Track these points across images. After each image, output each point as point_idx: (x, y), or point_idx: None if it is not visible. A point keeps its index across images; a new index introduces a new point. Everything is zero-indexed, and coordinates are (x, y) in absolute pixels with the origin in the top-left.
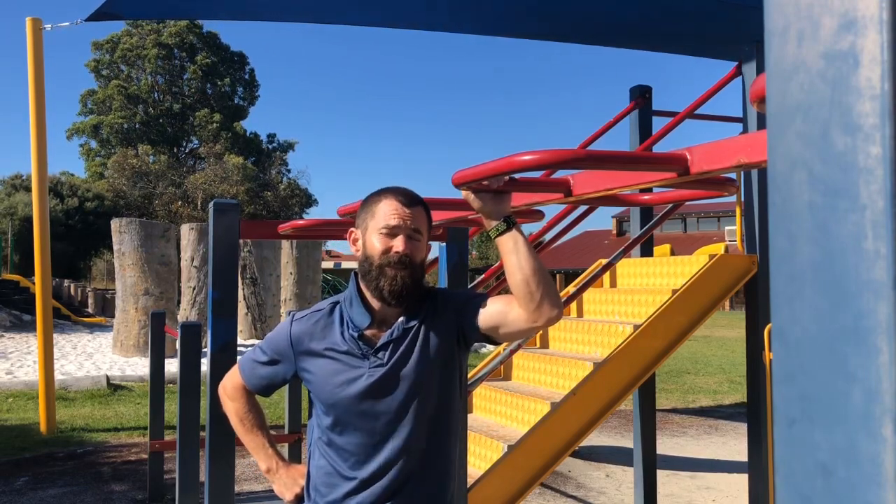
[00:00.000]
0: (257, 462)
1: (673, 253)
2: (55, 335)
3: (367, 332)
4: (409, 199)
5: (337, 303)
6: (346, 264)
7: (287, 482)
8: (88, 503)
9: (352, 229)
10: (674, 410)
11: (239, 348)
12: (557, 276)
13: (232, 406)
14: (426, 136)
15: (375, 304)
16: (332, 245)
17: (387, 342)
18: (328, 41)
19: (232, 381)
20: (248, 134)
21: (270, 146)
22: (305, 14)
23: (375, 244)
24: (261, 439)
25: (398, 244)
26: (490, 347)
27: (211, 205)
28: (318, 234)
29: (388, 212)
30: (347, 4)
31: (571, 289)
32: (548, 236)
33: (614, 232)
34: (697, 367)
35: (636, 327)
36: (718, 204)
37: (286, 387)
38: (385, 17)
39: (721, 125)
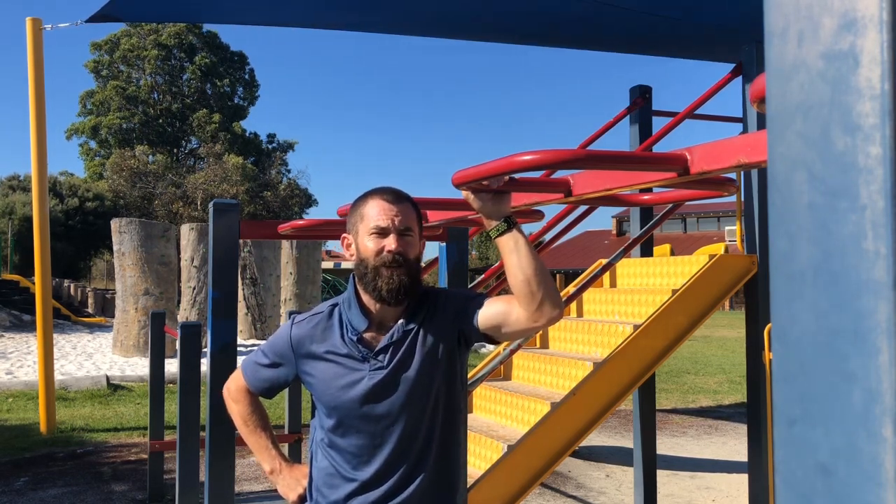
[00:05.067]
0: (261, 463)
1: (673, 253)
2: (55, 335)
3: (366, 335)
4: (395, 197)
5: (336, 305)
6: (346, 264)
7: (290, 483)
8: (88, 503)
9: (344, 235)
10: (674, 410)
11: (239, 348)
12: (557, 276)
13: (236, 408)
14: (426, 134)
15: (373, 306)
16: (332, 245)
17: (387, 345)
18: (329, 40)
19: (235, 384)
20: (247, 134)
21: (270, 146)
22: (299, 19)
23: (368, 246)
24: (264, 440)
25: (390, 243)
26: (490, 347)
27: (211, 205)
28: (318, 234)
29: (376, 213)
30: (341, 11)
31: (571, 289)
32: (548, 236)
33: (614, 232)
34: (697, 367)
35: (636, 327)
36: (718, 204)
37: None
38: (385, 23)
39: (721, 125)
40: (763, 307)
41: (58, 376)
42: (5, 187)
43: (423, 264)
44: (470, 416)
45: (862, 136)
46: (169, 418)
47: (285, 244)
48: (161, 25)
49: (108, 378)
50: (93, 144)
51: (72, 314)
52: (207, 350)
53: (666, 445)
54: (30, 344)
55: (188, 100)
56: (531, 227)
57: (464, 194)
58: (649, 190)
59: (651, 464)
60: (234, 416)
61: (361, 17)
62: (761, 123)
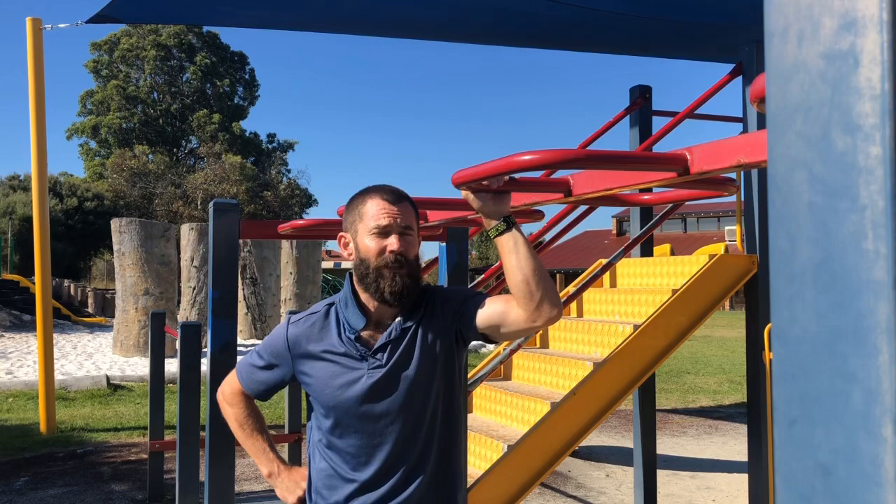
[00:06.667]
0: (258, 466)
1: (673, 253)
2: (55, 335)
3: (364, 334)
4: (395, 196)
5: (332, 304)
6: (346, 264)
7: (289, 486)
8: (88, 503)
9: (341, 234)
10: (674, 410)
11: (239, 348)
12: (557, 276)
13: (231, 411)
14: (427, 134)
15: (371, 305)
16: (332, 245)
17: (385, 343)
18: (329, 40)
19: (230, 387)
20: (247, 134)
21: (270, 146)
22: (298, 22)
23: (369, 245)
24: (261, 443)
25: (392, 243)
26: (490, 347)
27: (211, 205)
28: (318, 234)
29: (376, 212)
30: (338, 15)
31: (571, 289)
32: (548, 236)
33: (614, 232)
34: (697, 367)
35: (636, 327)
36: (718, 204)
37: (286, 387)
38: (383, 27)
39: (721, 125)
40: (763, 307)
41: (58, 376)
42: (5, 187)
43: (422, 263)
44: (470, 416)
45: (862, 136)
46: (169, 418)
47: (285, 244)
48: (161, 25)
49: (108, 378)
50: (93, 144)
51: (72, 314)
52: (207, 350)
53: (666, 445)
54: (30, 344)
55: (188, 100)
56: (531, 227)
57: (463, 194)
58: (649, 190)
59: (651, 464)
60: (229, 420)
61: (359, 22)
62: (761, 123)
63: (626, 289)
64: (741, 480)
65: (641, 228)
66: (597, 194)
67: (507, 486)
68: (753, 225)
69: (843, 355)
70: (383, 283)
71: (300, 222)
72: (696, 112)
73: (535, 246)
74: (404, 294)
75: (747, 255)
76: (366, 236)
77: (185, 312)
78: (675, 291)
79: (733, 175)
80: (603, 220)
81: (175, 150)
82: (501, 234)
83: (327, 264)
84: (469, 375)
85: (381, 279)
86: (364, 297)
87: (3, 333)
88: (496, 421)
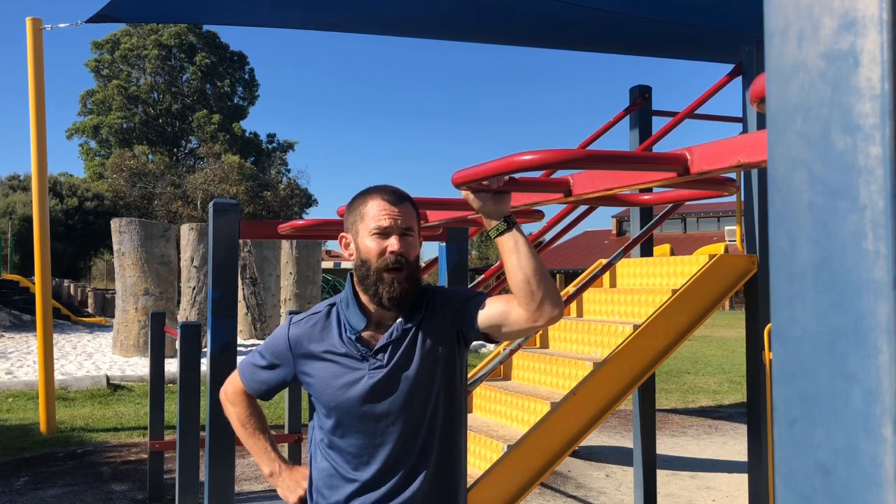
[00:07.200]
0: (260, 466)
1: (673, 253)
2: (55, 335)
3: (365, 334)
4: (396, 197)
5: (333, 304)
6: (346, 264)
7: (290, 485)
8: (88, 503)
9: (342, 234)
10: (674, 410)
11: (239, 348)
12: (557, 276)
13: (233, 411)
14: (427, 134)
15: (372, 305)
16: (332, 245)
17: (386, 343)
18: (329, 40)
19: (233, 386)
20: (247, 134)
21: (270, 146)
22: (298, 20)
23: (370, 246)
24: (263, 443)
25: (393, 244)
26: (490, 347)
27: (211, 205)
28: (317, 234)
29: (377, 212)
30: (338, 13)
31: (571, 289)
32: (548, 236)
33: (614, 232)
34: (697, 367)
35: (636, 327)
36: (718, 204)
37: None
38: (383, 25)
39: (721, 125)
40: (763, 307)
41: (58, 376)
42: (5, 187)
43: (422, 264)
44: (470, 416)
45: (862, 136)
46: (169, 418)
47: (285, 244)
48: (162, 25)
49: (108, 378)
50: (93, 144)
51: (72, 314)
52: (207, 350)
53: (666, 445)
54: (30, 344)
55: (188, 100)
56: (531, 227)
57: (464, 194)
58: (649, 190)
59: (651, 464)
60: (231, 420)
61: (359, 20)
62: (761, 123)
63: (626, 289)
64: (741, 480)
65: (641, 228)
66: (597, 194)
67: (507, 486)
68: (753, 225)
69: (843, 355)
70: (382, 288)
71: (300, 222)
72: (696, 112)
73: (535, 246)
74: (402, 300)
75: (747, 255)
76: (366, 237)
77: (185, 312)
78: (675, 291)
79: (733, 175)
80: (603, 220)
81: (175, 150)
82: (502, 234)
83: (327, 264)
84: (469, 375)
85: (381, 283)
86: (364, 298)
87: (3, 333)
88: (496, 421)
